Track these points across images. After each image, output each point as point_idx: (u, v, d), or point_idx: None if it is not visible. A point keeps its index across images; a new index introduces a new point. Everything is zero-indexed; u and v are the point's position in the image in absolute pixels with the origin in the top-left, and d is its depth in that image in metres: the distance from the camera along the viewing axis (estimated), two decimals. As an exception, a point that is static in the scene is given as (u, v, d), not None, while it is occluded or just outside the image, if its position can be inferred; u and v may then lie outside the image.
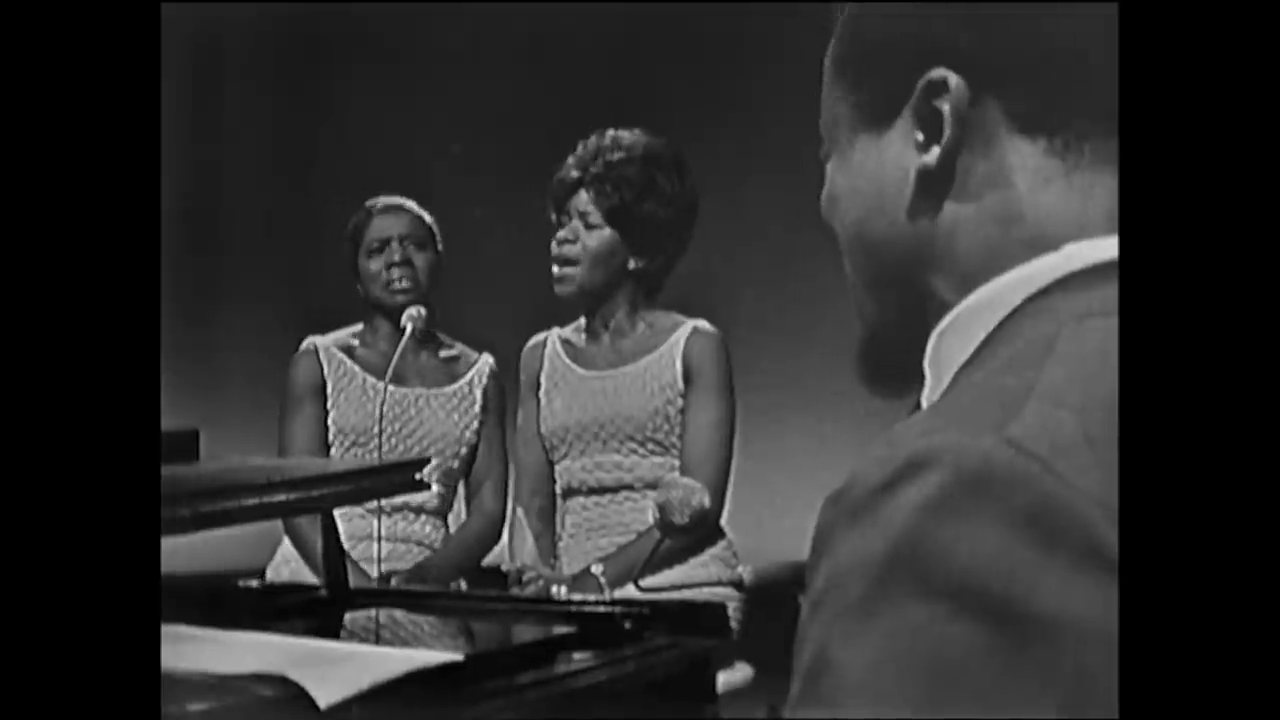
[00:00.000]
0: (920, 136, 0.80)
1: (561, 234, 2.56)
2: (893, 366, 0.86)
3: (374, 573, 2.57)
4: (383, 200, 2.86)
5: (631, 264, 2.54)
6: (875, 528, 0.64)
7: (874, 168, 0.83)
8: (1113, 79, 0.71)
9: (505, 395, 2.86)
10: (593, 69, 4.01)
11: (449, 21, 4.20)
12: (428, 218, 2.85)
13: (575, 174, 2.55)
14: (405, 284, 2.77)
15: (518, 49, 4.16)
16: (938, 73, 0.78)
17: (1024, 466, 0.62)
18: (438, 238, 2.85)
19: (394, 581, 2.57)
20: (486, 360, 2.89)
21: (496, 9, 4.11)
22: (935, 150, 0.79)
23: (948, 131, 0.78)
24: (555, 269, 2.56)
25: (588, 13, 3.95)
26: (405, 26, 4.25)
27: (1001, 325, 0.76)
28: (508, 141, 4.00)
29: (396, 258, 2.77)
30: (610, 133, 2.57)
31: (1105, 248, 0.75)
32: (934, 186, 0.80)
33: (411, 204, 2.86)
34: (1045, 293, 0.75)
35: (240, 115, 4.34)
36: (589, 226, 2.53)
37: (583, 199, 2.54)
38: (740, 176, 3.64)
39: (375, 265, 2.79)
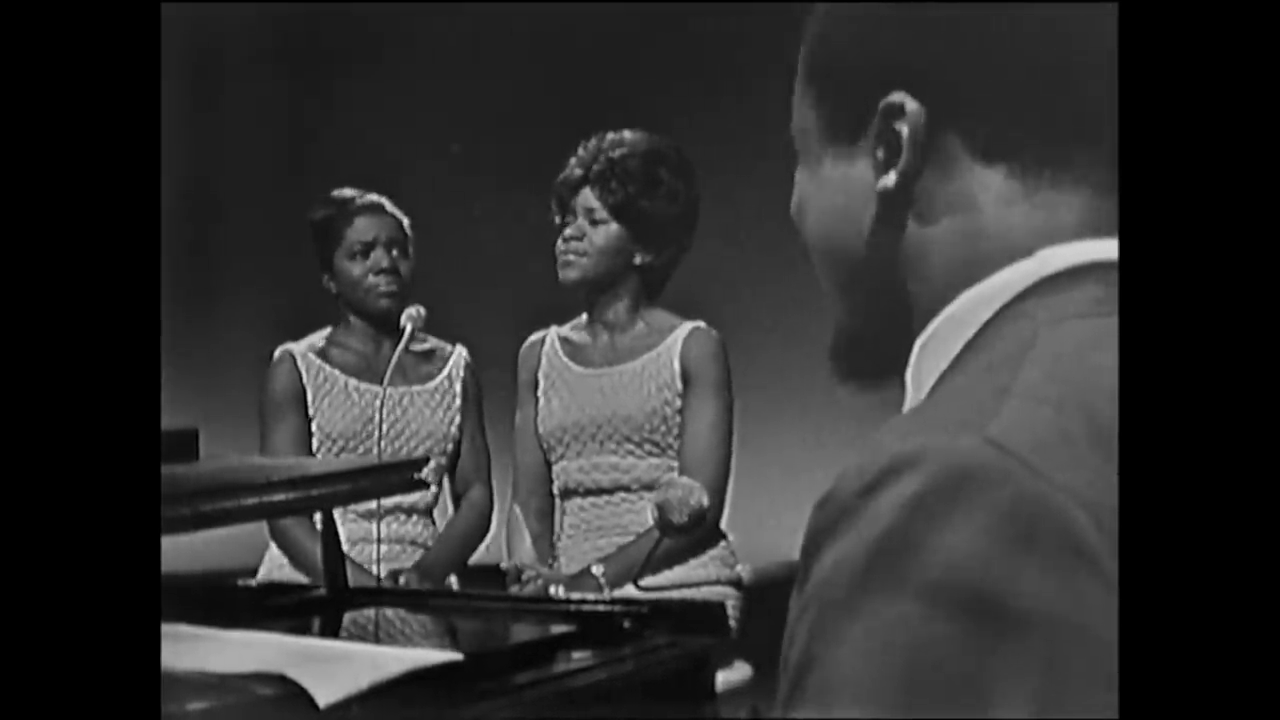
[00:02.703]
0: (881, 157, 0.80)
1: (568, 232, 2.55)
2: (868, 357, 0.87)
3: (374, 573, 2.56)
4: (359, 197, 2.79)
5: (637, 259, 2.55)
6: (858, 530, 0.64)
7: (841, 182, 0.83)
8: (1071, 102, 0.74)
9: (481, 386, 2.85)
10: (593, 69, 4.01)
11: (449, 21, 4.20)
12: (404, 220, 2.80)
13: (579, 172, 2.55)
14: (392, 288, 2.72)
15: (518, 49, 4.17)
16: (896, 96, 0.78)
17: (1004, 465, 0.63)
18: (410, 240, 2.80)
19: (402, 580, 2.54)
20: (461, 352, 2.85)
21: (496, 9, 4.11)
22: (893, 174, 0.79)
23: (905, 156, 0.79)
24: (560, 265, 2.56)
25: (588, 13, 3.95)
26: (405, 26, 4.25)
27: (980, 332, 0.77)
28: (508, 141, 4.01)
29: (385, 264, 2.72)
30: (611, 134, 2.58)
31: (1079, 252, 0.76)
32: (896, 207, 0.80)
33: (388, 203, 2.80)
34: (1021, 298, 0.76)
35: (240, 115, 4.34)
36: (595, 222, 2.53)
37: (587, 196, 2.54)
38: (740, 176, 3.64)
39: (358, 270, 2.73)
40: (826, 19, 0.85)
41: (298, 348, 2.79)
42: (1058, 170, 0.78)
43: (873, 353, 0.85)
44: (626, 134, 2.57)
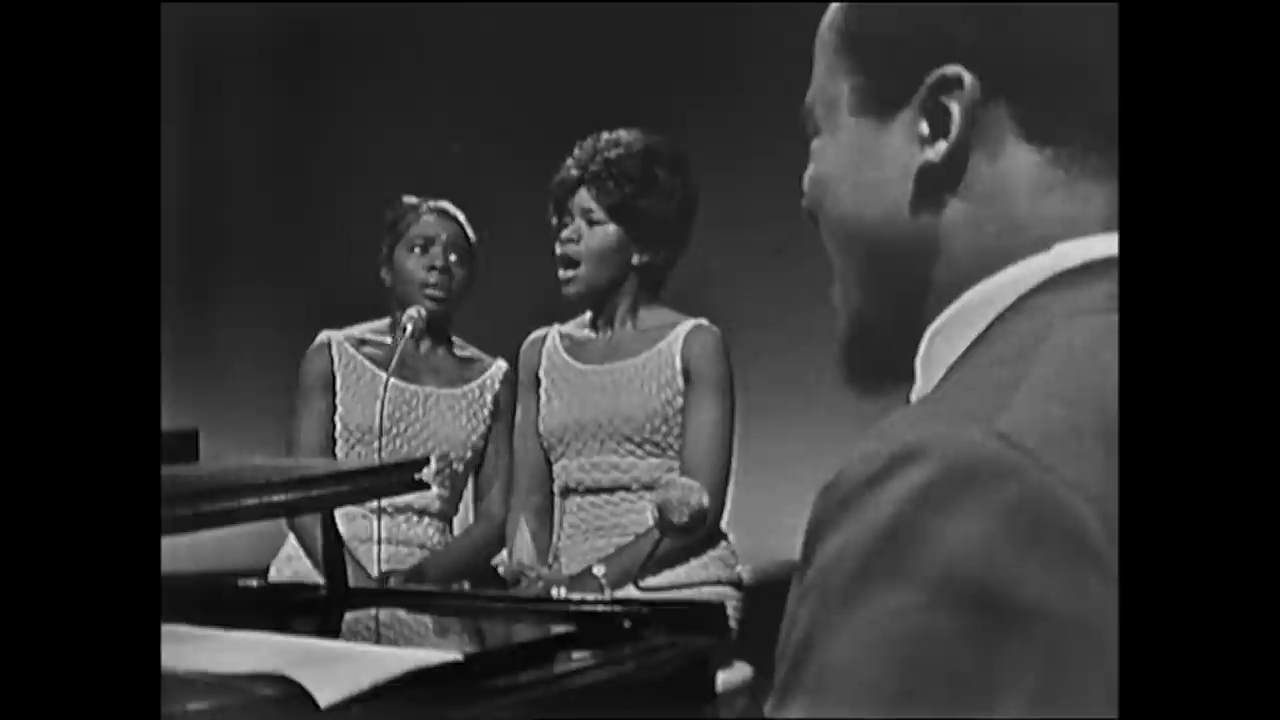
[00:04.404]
0: (926, 131, 0.79)
1: (565, 233, 2.56)
2: (877, 358, 0.85)
3: (374, 573, 2.57)
4: (432, 201, 2.83)
5: (636, 259, 2.55)
6: (863, 519, 0.64)
7: (872, 154, 0.82)
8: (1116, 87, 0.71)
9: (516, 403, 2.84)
10: (593, 69, 4.01)
11: (449, 21, 4.20)
12: (471, 233, 2.83)
13: (575, 173, 2.56)
14: (439, 292, 2.74)
15: (518, 49, 4.16)
16: (952, 69, 0.78)
17: (1011, 458, 0.63)
18: (476, 255, 2.83)
19: (391, 581, 2.56)
20: (501, 366, 2.86)
21: (496, 9, 4.11)
22: (941, 146, 0.78)
23: (956, 129, 0.78)
24: (561, 271, 2.56)
25: (588, 13, 3.94)
26: (405, 26, 4.25)
27: (993, 324, 0.76)
28: (508, 141, 4.00)
29: (439, 263, 2.75)
30: (606, 133, 2.58)
31: (1094, 247, 0.76)
32: (936, 183, 0.79)
33: (461, 214, 2.84)
34: (1036, 291, 0.76)
35: (240, 115, 4.33)
36: (592, 224, 2.54)
37: (584, 197, 2.54)
38: (740, 176, 3.64)
39: (414, 263, 2.76)
40: None
41: (337, 335, 2.82)
42: (1103, 158, 0.77)
43: (885, 346, 0.84)
44: (622, 133, 2.57)
